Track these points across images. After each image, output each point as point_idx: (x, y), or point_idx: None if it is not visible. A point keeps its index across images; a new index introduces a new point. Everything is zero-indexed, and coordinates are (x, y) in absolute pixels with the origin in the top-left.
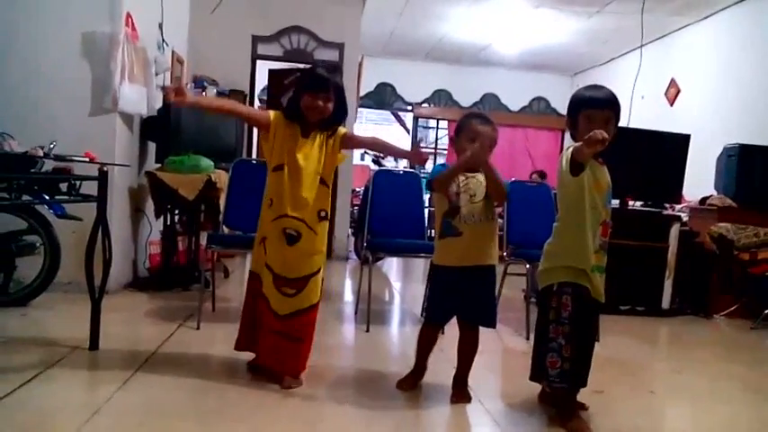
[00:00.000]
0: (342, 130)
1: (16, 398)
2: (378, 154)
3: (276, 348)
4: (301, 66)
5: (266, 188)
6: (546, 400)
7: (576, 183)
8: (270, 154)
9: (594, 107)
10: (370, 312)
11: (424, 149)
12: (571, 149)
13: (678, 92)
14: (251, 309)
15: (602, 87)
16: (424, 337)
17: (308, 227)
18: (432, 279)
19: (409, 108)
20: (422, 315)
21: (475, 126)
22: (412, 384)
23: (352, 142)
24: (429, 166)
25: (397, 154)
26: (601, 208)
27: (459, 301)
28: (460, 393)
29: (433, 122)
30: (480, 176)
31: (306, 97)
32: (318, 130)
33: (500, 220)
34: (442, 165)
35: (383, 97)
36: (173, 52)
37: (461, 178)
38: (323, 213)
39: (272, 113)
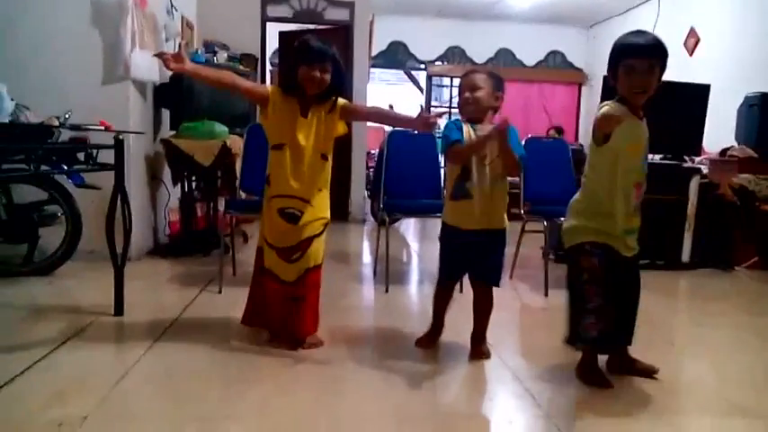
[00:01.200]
0: (341, 101)
1: (47, 363)
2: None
3: (287, 314)
4: (312, 26)
5: (269, 162)
6: (614, 368)
7: (607, 149)
8: (270, 131)
9: (635, 56)
10: (389, 273)
11: (437, 108)
12: (602, 112)
13: (698, 41)
14: (258, 285)
15: (645, 33)
16: (439, 295)
17: (309, 203)
18: (442, 239)
19: (422, 66)
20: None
21: (466, 78)
22: (431, 342)
23: (353, 114)
24: (441, 122)
25: (403, 123)
26: (638, 169)
27: (468, 260)
28: (479, 350)
29: (446, 80)
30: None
31: (303, 69)
32: (317, 104)
33: (516, 179)
34: (454, 122)
35: (396, 56)
36: (182, 17)
37: (472, 136)
38: (320, 187)
39: (270, 88)
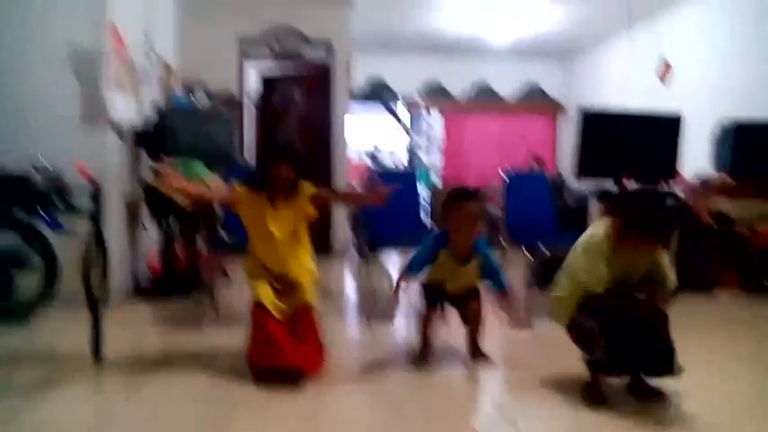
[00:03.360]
0: (307, 190)
1: (24, 415)
2: (377, 153)
3: (299, 350)
4: (290, 61)
5: (249, 239)
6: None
7: None
8: (245, 223)
9: None
10: (374, 306)
11: (418, 141)
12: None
13: (670, 70)
14: (260, 329)
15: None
16: (424, 319)
17: (294, 279)
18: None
19: (402, 101)
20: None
21: (467, 209)
22: (426, 360)
23: (320, 200)
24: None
25: (361, 200)
26: None
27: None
28: (478, 354)
29: (426, 114)
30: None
31: (275, 168)
32: (283, 193)
33: (498, 210)
34: (436, 244)
35: (375, 91)
36: (161, 60)
37: (446, 266)
38: (300, 262)
39: (237, 189)
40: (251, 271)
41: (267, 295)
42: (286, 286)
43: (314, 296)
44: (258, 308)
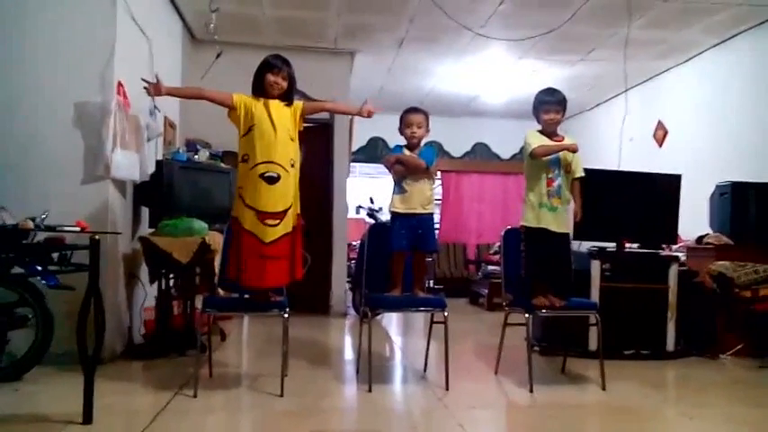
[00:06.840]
0: (299, 103)
1: None
2: (373, 207)
3: (266, 270)
4: None
5: (240, 149)
6: None
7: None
8: (239, 123)
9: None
10: (372, 370)
11: None
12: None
13: (666, 133)
14: (235, 246)
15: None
16: (395, 261)
17: (285, 170)
18: (393, 220)
19: None
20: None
21: (412, 117)
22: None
23: (310, 110)
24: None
25: (350, 112)
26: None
27: (410, 236)
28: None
29: None
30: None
31: (268, 76)
32: (278, 100)
33: (497, 268)
34: (398, 146)
35: (375, 151)
36: (164, 117)
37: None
38: (293, 162)
39: (234, 94)
40: (237, 186)
41: (252, 222)
42: (277, 212)
43: (293, 220)
44: (236, 224)
